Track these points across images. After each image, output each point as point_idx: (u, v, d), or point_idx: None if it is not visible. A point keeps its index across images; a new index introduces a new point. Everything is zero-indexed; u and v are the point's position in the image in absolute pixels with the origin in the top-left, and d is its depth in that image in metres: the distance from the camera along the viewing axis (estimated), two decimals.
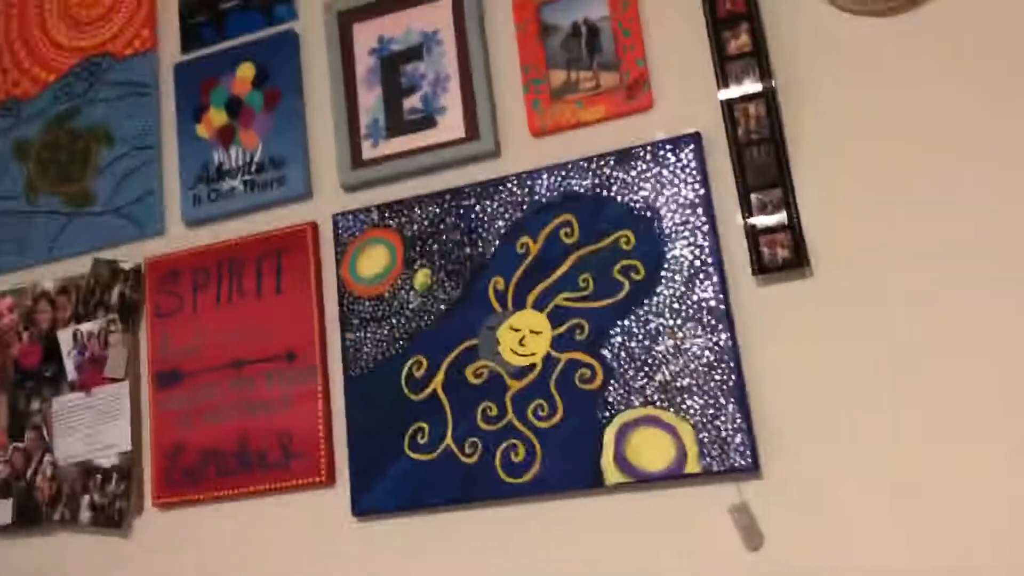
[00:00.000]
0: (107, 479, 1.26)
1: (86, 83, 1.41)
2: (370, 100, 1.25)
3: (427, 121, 1.22)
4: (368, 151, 1.24)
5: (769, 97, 1.06)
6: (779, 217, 1.04)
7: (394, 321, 1.17)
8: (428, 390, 1.14)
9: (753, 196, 1.06)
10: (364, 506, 1.14)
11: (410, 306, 1.17)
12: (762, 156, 1.06)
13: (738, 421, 1.01)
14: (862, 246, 1.01)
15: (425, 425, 1.13)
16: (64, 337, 1.33)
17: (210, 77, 1.34)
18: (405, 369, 1.16)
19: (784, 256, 1.03)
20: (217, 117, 1.32)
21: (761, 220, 1.05)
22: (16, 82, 1.46)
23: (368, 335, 1.18)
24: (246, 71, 1.32)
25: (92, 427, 1.29)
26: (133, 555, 1.25)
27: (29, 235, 1.40)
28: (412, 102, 1.23)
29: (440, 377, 1.14)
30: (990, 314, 0.96)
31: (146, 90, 1.38)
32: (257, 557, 1.19)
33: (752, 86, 1.07)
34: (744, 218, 1.06)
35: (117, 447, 1.27)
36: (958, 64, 1.01)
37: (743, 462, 1.00)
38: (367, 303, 1.19)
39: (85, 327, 1.32)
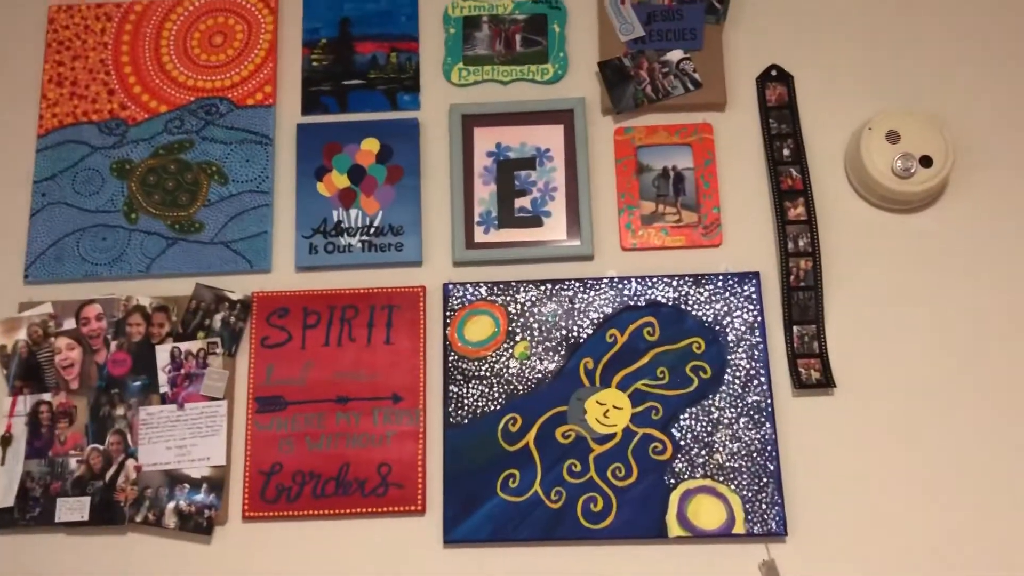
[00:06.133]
0: (196, 488, 1.37)
1: (201, 121, 1.54)
2: (484, 193, 1.48)
3: (534, 220, 1.47)
4: (480, 235, 1.47)
5: (816, 256, 1.42)
6: (813, 347, 1.39)
7: (495, 381, 1.40)
8: (521, 443, 1.37)
9: (795, 328, 1.40)
10: (457, 536, 1.34)
11: (510, 371, 1.40)
12: (805, 299, 1.41)
13: (775, 497, 1.32)
14: (872, 377, 1.38)
15: (516, 472, 1.36)
16: (162, 352, 1.42)
17: (334, 142, 1.51)
18: (502, 423, 1.38)
19: (816, 377, 1.38)
20: (339, 180, 1.50)
21: (800, 348, 1.39)
22: (123, 105, 1.55)
23: (470, 390, 1.40)
24: (371, 145, 1.51)
25: (183, 439, 1.39)
26: (217, 562, 1.35)
27: (125, 251, 1.48)
28: (523, 202, 1.48)
29: (533, 433, 1.37)
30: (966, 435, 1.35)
31: (265, 141, 1.52)
32: (342, 572, 1.34)
33: (804, 246, 1.42)
34: (787, 344, 1.40)
35: (210, 460, 1.38)
36: (957, 249, 1.43)
37: (777, 528, 1.31)
38: (471, 362, 1.41)
39: (184, 346, 1.43)
